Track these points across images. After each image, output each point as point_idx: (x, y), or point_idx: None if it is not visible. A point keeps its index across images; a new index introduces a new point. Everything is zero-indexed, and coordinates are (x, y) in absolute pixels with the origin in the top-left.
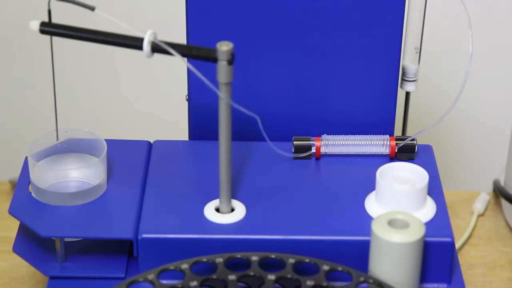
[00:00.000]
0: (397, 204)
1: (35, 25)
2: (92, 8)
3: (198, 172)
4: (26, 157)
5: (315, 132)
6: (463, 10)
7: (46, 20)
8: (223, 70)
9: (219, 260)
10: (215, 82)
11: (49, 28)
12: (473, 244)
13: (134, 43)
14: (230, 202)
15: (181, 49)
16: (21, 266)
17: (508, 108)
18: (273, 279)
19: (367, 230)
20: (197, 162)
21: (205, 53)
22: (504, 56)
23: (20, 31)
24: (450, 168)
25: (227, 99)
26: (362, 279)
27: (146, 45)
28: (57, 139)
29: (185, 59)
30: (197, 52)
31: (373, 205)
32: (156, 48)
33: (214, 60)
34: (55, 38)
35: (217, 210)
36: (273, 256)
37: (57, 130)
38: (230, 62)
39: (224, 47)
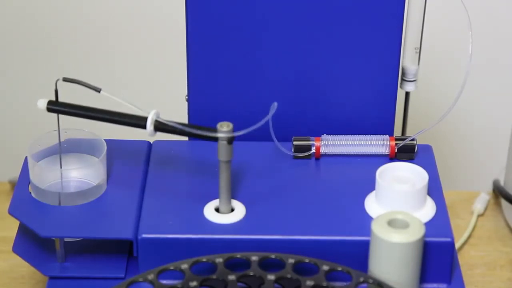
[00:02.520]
0: (397, 204)
1: (42, 103)
2: (98, 90)
3: (198, 172)
4: (26, 157)
5: (315, 132)
6: (463, 10)
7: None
8: (223, 149)
9: (219, 260)
10: (215, 81)
11: (56, 107)
12: (473, 244)
13: (138, 122)
14: (230, 202)
15: (182, 130)
16: (21, 266)
17: (507, 108)
18: (273, 279)
19: (367, 230)
20: (196, 162)
21: (205, 133)
22: (504, 56)
23: (20, 31)
24: (450, 168)
25: (227, 176)
26: (361, 279)
27: (150, 125)
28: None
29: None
30: (198, 132)
31: (373, 205)
32: (159, 127)
33: (215, 139)
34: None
35: (217, 210)
36: (272, 256)
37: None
38: (230, 142)
39: (224, 127)
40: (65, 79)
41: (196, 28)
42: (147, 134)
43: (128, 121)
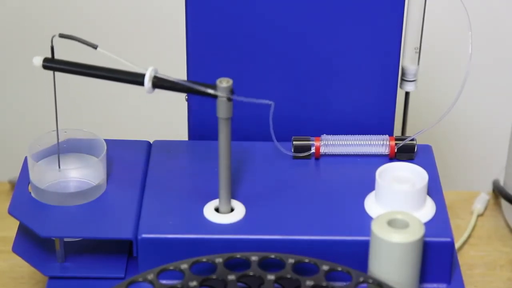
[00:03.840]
0: (396, 204)
1: (38, 60)
2: (94, 47)
3: (198, 172)
4: (26, 157)
5: (315, 132)
6: (463, 10)
7: (49, 55)
8: (223, 106)
9: (219, 260)
10: (215, 79)
11: (52, 64)
12: (472, 244)
13: (136, 79)
14: (229, 202)
15: (181, 85)
16: (21, 266)
17: (507, 108)
18: (272, 279)
19: (367, 230)
20: (196, 162)
21: (204, 90)
22: (503, 56)
23: (20, 31)
24: (450, 168)
25: (226, 136)
26: (361, 279)
27: (148, 81)
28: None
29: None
30: (196, 88)
31: (372, 205)
32: (157, 84)
33: (214, 96)
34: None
35: (217, 210)
36: (272, 256)
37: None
38: (230, 98)
39: (224, 83)
40: (61, 35)
41: (196, 28)
42: (145, 91)
43: (125, 77)
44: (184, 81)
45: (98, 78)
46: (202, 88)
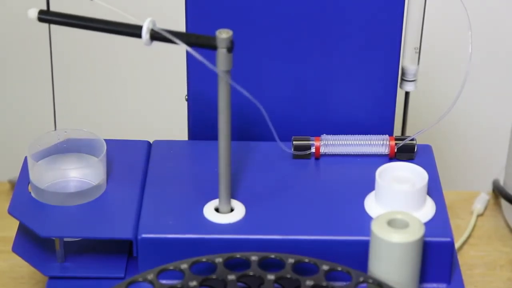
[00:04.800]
0: (396, 204)
1: (33, 12)
2: None
3: (198, 172)
4: (26, 157)
5: (315, 132)
6: (463, 10)
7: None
8: (222, 58)
9: (219, 260)
10: (215, 81)
11: (48, 16)
12: (472, 244)
13: (133, 31)
14: (229, 202)
15: (180, 37)
16: (21, 266)
17: (507, 108)
18: (272, 279)
19: (367, 230)
20: (196, 162)
21: (204, 41)
22: (503, 56)
23: (20, 31)
24: (450, 168)
25: (227, 87)
26: (361, 279)
27: (145, 33)
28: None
29: (186, 46)
30: (196, 39)
31: (372, 205)
32: (155, 36)
33: (214, 47)
34: (54, 37)
35: (217, 210)
36: (272, 256)
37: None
38: (230, 49)
39: (223, 34)
40: None
41: (196, 28)
42: (142, 43)
43: (122, 29)
44: (183, 32)
45: (94, 30)
46: (201, 40)
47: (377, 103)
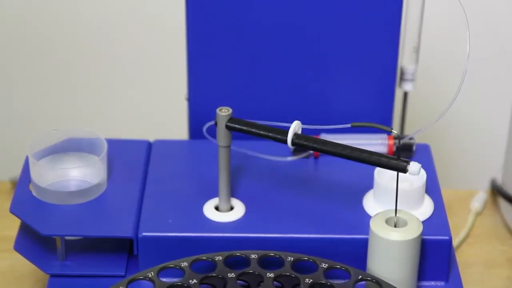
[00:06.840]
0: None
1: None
2: None
3: (198, 171)
4: (27, 156)
5: (314, 132)
6: (461, 10)
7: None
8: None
9: (219, 258)
10: (215, 81)
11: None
12: (470, 242)
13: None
14: (229, 200)
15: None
16: (22, 265)
17: (505, 107)
18: (272, 277)
19: (365, 228)
20: (196, 161)
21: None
22: (501, 56)
23: (20, 31)
24: (448, 167)
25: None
26: (360, 277)
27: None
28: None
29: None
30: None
31: (371, 203)
32: (295, 142)
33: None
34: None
35: (217, 208)
36: (272, 254)
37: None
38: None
39: (224, 111)
40: None
41: (196, 28)
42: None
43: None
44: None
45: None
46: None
47: (376, 103)
